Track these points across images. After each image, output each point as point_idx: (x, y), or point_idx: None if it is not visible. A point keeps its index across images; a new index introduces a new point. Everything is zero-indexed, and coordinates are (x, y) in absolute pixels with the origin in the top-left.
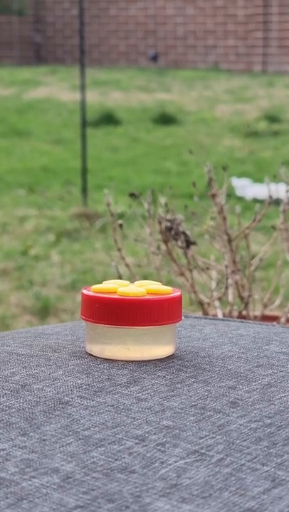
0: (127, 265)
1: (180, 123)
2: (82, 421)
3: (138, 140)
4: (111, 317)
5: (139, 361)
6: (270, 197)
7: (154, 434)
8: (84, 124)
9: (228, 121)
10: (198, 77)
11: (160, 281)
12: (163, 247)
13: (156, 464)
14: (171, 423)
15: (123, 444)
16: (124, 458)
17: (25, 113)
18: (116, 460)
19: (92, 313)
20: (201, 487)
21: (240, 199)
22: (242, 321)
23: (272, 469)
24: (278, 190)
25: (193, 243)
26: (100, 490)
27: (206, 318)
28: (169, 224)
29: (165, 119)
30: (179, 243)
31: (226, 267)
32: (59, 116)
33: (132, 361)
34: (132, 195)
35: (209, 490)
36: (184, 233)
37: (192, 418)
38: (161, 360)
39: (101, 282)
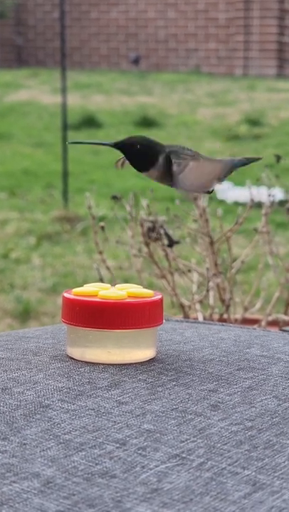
0: (108, 268)
1: (161, 126)
2: (62, 425)
3: None
4: (92, 320)
5: (120, 364)
6: (252, 200)
7: (135, 438)
8: (65, 127)
9: (209, 124)
10: (180, 80)
11: (141, 284)
12: (145, 249)
13: (137, 469)
14: (152, 427)
15: (104, 449)
16: (104, 462)
17: (6, 116)
18: (97, 464)
19: (73, 316)
20: (181, 492)
21: (222, 202)
22: (223, 325)
23: (253, 473)
24: (260, 193)
25: (177, 242)
26: (80, 495)
27: (187, 322)
28: (151, 225)
29: (146, 122)
30: (163, 242)
31: (207, 269)
32: (40, 120)
33: (112, 364)
34: (114, 197)
35: (190, 495)
36: (166, 233)
37: (173, 421)
38: (142, 363)
39: (82, 285)
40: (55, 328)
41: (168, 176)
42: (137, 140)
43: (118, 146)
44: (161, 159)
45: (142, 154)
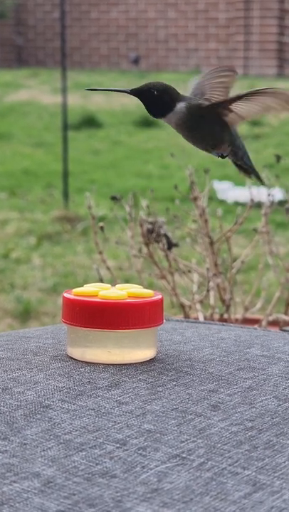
0: (108, 268)
1: (161, 126)
2: (63, 425)
3: (119, 143)
4: (92, 320)
5: (120, 364)
6: (252, 200)
7: (135, 438)
8: (65, 127)
9: None
10: (180, 80)
11: (141, 284)
12: (144, 249)
13: (138, 469)
14: (152, 427)
15: (104, 449)
16: (105, 462)
17: (6, 116)
18: (97, 464)
19: (73, 316)
20: (182, 492)
21: (222, 202)
22: (223, 324)
23: (253, 473)
24: (260, 193)
25: (175, 245)
26: (81, 495)
27: (187, 322)
28: (150, 226)
29: (146, 122)
30: (161, 245)
31: (208, 269)
32: (40, 120)
33: (113, 364)
34: (113, 198)
35: (190, 495)
36: (165, 235)
37: (173, 422)
38: (142, 363)
39: (82, 285)
40: (56, 328)
41: (188, 125)
42: (154, 85)
43: (134, 92)
44: (181, 106)
45: (158, 99)
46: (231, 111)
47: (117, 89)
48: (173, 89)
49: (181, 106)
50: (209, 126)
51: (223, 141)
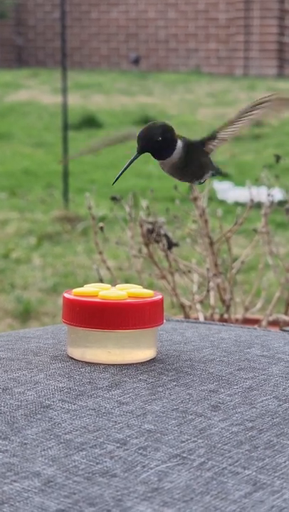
0: (108, 268)
1: None
2: (63, 424)
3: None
4: (92, 321)
5: (120, 365)
6: (252, 200)
7: (136, 437)
8: (65, 127)
9: (209, 124)
10: (180, 80)
11: (141, 285)
12: (144, 250)
13: (138, 468)
14: (152, 427)
15: (104, 448)
16: (105, 462)
17: (6, 116)
18: (97, 464)
19: (73, 316)
20: (182, 491)
21: (222, 202)
22: (223, 325)
23: (254, 473)
24: (260, 193)
25: (176, 244)
26: (81, 494)
27: (187, 322)
28: (150, 226)
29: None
30: (161, 245)
31: (208, 270)
32: (40, 120)
33: (113, 365)
34: (113, 198)
35: (190, 494)
36: (165, 235)
37: (174, 422)
38: (142, 363)
39: (82, 285)
40: (56, 329)
41: (182, 162)
42: (155, 133)
43: (143, 151)
44: (179, 144)
45: (162, 144)
46: (216, 138)
47: (130, 161)
48: (170, 127)
49: (179, 144)
50: (197, 160)
51: (208, 171)
